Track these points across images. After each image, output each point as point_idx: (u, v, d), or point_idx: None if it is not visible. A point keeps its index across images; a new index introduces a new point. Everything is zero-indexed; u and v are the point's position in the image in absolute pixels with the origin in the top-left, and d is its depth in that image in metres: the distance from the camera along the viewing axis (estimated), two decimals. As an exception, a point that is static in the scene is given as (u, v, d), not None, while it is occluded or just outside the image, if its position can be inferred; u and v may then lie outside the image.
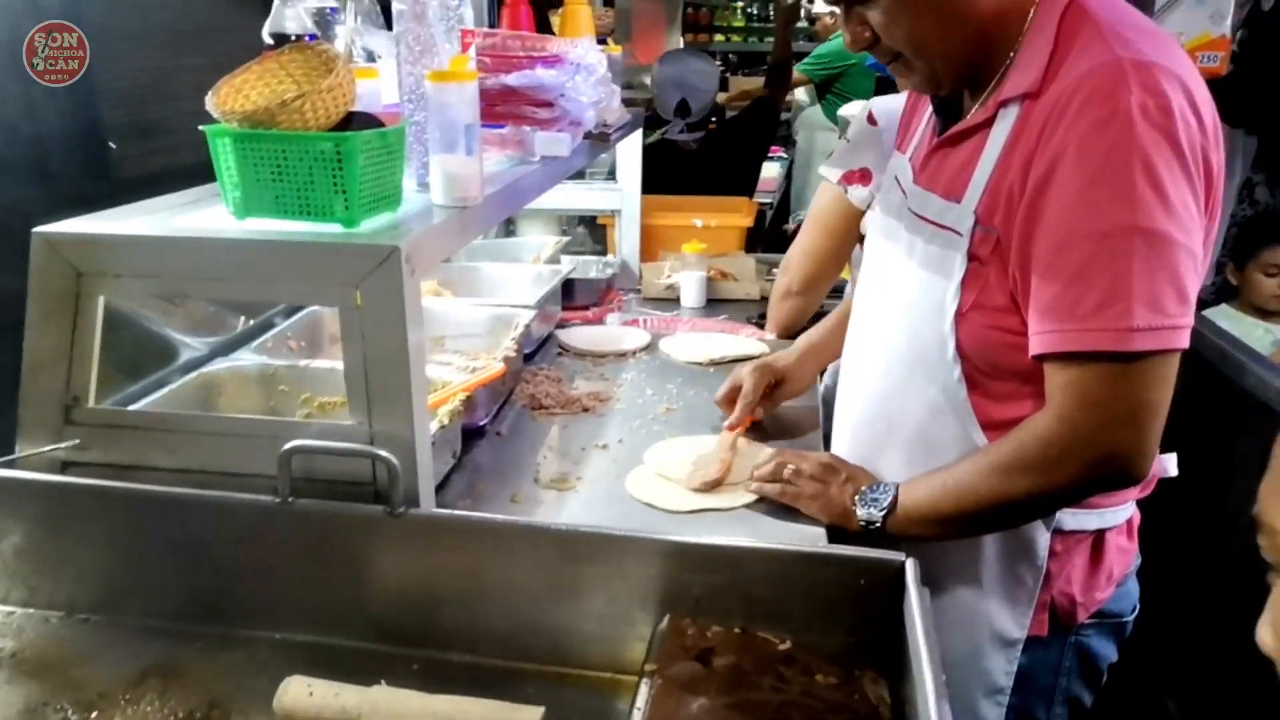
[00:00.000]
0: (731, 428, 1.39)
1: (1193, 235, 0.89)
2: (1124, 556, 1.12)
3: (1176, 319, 0.88)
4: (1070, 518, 1.06)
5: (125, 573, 1.03)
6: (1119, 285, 0.87)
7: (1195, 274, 0.90)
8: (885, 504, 1.06)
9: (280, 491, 1.00)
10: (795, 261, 1.71)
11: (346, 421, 1.04)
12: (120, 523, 1.02)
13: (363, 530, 1.00)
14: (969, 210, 0.99)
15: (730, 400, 1.42)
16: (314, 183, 1.00)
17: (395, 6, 1.14)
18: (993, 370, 1.01)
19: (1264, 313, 2.46)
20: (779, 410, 1.50)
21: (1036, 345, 0.93)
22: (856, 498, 1.10)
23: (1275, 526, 0.46)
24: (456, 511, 1.06)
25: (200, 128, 1.02)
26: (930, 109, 1.13)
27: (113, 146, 2.26)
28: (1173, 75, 0.88)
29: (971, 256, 0.99)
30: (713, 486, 1.25)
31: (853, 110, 1.75)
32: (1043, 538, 1.05)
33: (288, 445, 0.98)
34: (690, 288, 2.09)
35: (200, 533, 1.02)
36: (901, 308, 1.09)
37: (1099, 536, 1.08)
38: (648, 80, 4.11)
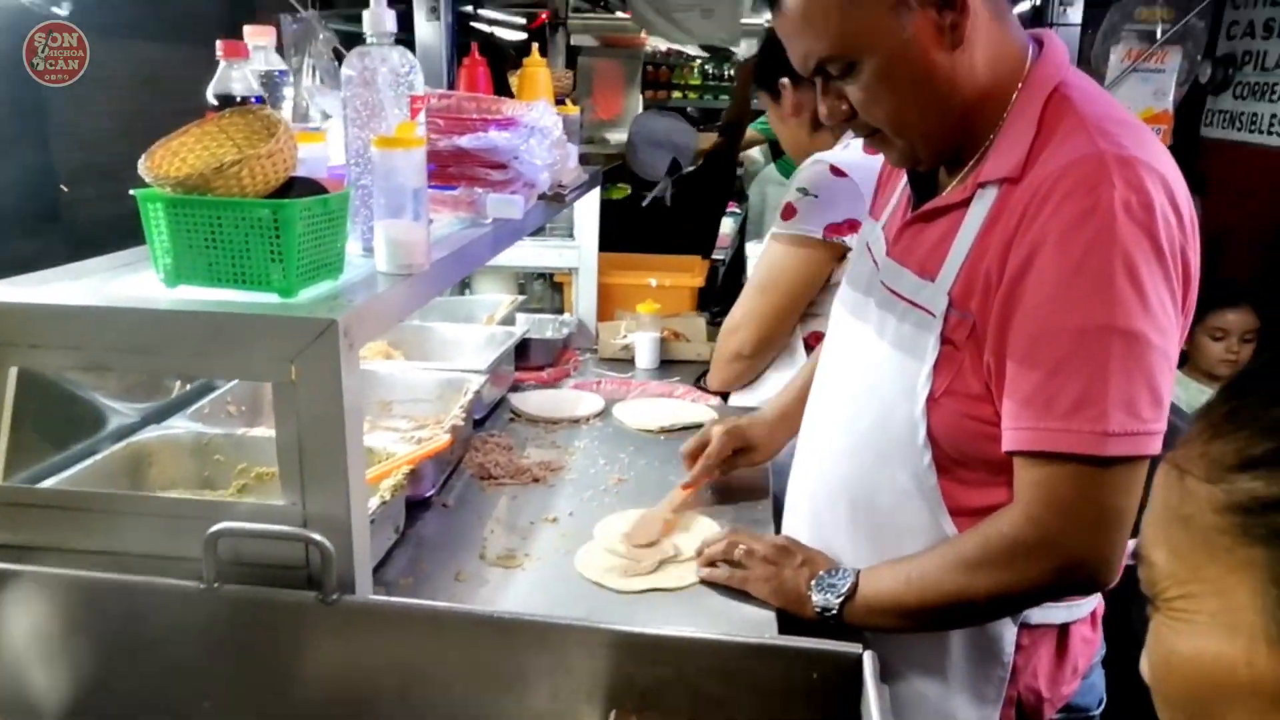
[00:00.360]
0: (687, 487, 1.35)
1: (1169, 338, 0.88)
2: (1088, 648, 1.09)
3: (1150, 424, 0.86)
4: (1037, 611, 1.04)
5: (29, 665, 0.95)
6: (1095, 387, 0.85)
7: (1170, 376, 0.89)
8: (843, 590, 1.02)
9: (205, 576, 0.94)
10: (746, 325, 1.65)
11: (278, 501, 0.98)
12: (26, 610, 0.95)
13: (293, 618, 0.94)
14: (943, 290, 0.96)
15: (694, 455, 1.39)
16: (249, 250, 0.96)
17: (344, 71, 1.11)
18: (964, 458, 0.99)
19: (1212, 377, 2.47)
20: (726, 486, 1.46)
21: (1009, 441, 0.91)
22: (813, 583, 1.05)
23: (1153, 559, 0.46)
24: (393, 599, 1.00)
25: (130, 191, 0.97)
26: (905, 179, 1.12)
27: (64, 189, 2.21)
28: (1155, 172, 0.87)
29: (945, 340, 0.96)
30: (651, 544, 1.22)
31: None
32: (1009, 633, 1.02)
33: (214, 528, 0.92)
34: (644, 349, 2.07)
35: (116, 621, 0.95)
36: (869, 388, 1.06)
37: (1063, 629, 1.06)
38: (609, 137, 4.15)
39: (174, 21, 2.43)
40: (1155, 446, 0.87)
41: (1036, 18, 2.89)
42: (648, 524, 1.25)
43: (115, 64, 2.24)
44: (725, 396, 1.85)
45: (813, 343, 1.64)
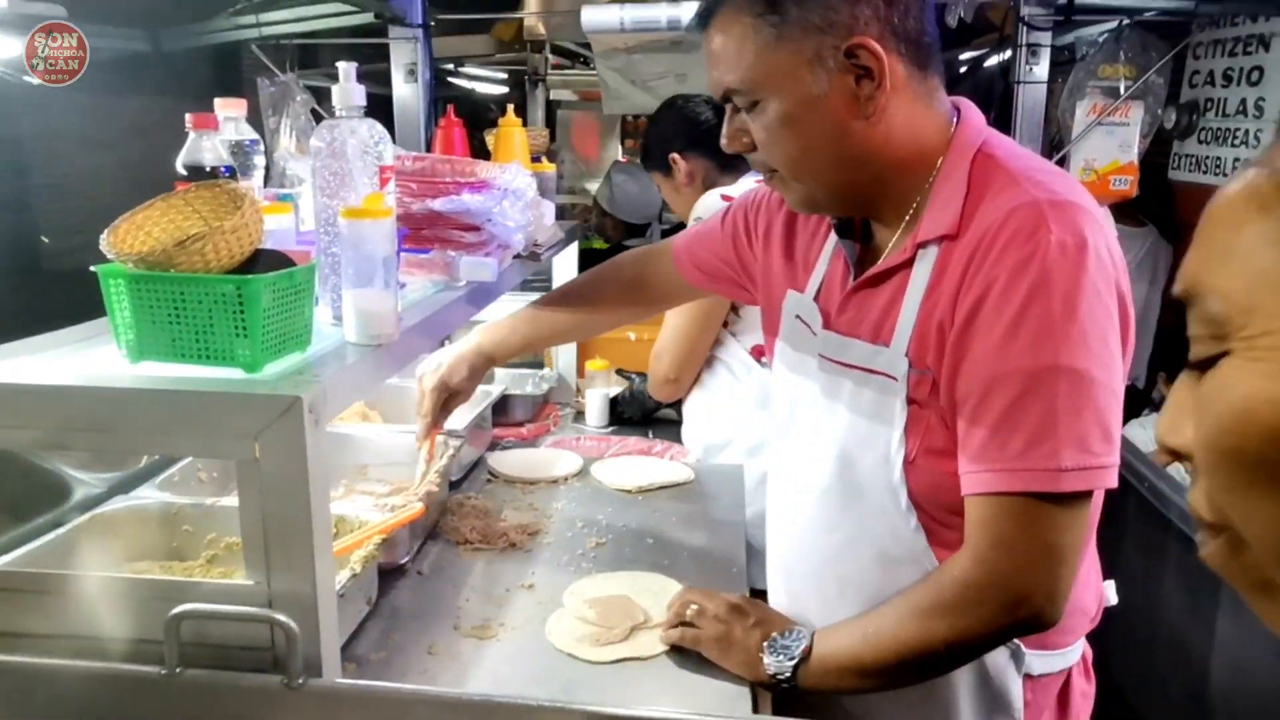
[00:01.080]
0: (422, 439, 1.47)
1: (1113, 373, 0.89)
2: (1085, 702, 1.08)
3: (1102, 458, 0.88)
4: (1039, 660, 1.03)
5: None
6: (1046, 426, 0.86)
7: (1118, 411, 0.90)
8: (797, 653, 0.99)
9: (167, 661, 0.91)
10: (668, 349, 1.79)
11: (243, 581, 0.96)
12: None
13: (257, 704, 0.91)
14: (900, 353, 0.97)
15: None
16: (214, 326, 0.95)
17: (313, 142, 1.11)
18: (948, 516, 0.98)
19: None
20: (702, 548, 1.45)
21: (967, 485, 0.91)
22: (766, 645, 1.03)
23: (1227, 293, 0.40)
24: (359, 683, 0.97)
25: (91, 268, 0.96)
26: (828, 247, 1.12)
27: (45, 240, 2.20)
28: (1087, 213, 0.90)
29: (910, 400, 0.97)
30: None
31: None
32: (1016, 686, 1.01)
33: (176, 610, 0.90)
34: (594, 407, 2.08)
35: (73, 709, 0.91)
36: (838, 459, 1.05)
37: (1065, 683, 1.05)
38: (589, 187, 4.18)
39: (160, 81, 2.44)
40: (1110, 480, 0.89)
41: (1004, 75, 2.96)
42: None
43: (101, 121, 2.25)
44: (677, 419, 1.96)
45: (756, 355, 1.75)
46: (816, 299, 1.12)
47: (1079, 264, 0.86)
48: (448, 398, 1.46)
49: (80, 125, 2.26)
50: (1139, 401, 3.12)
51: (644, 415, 2.09)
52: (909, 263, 0.98)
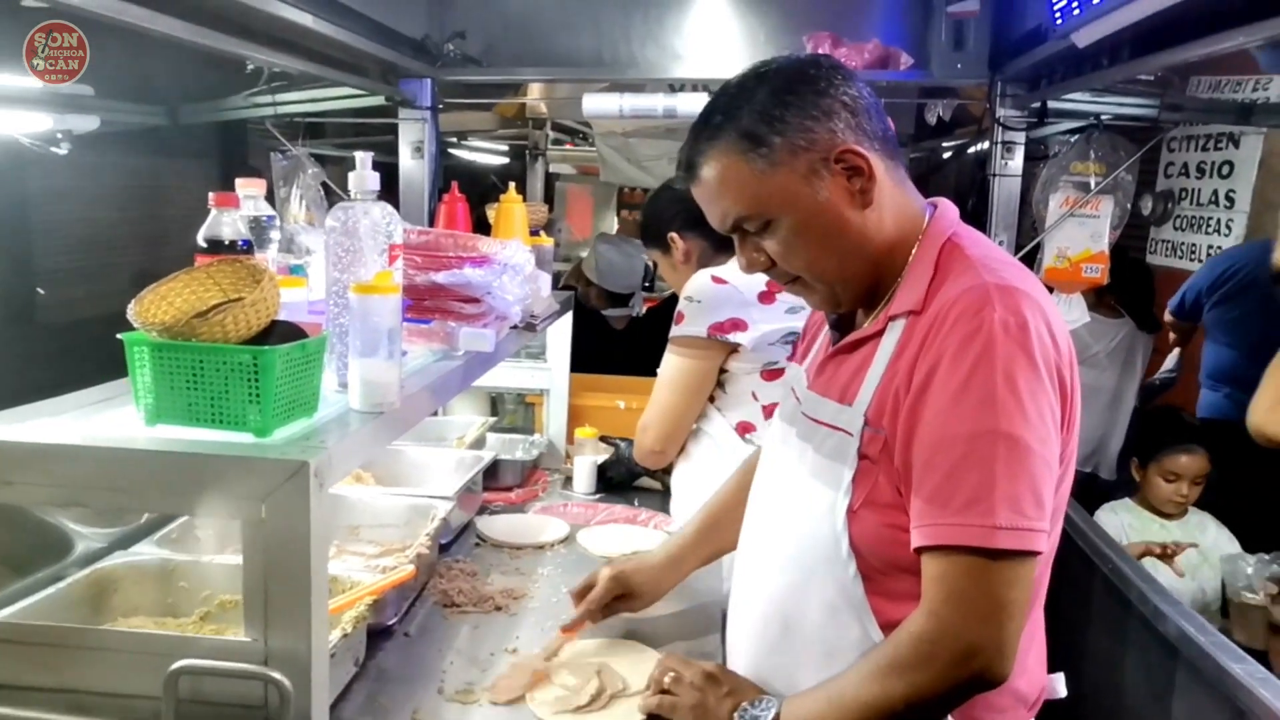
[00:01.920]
0: (566, 630, 1.37)
1: (1048, 445, 0.96)
2: None
3: (1034, 522, 0.94)
4: None
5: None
6: (983, 485, 0.93)
7: (1050, 482, 0.96)
8: None
9: (164, 717, 0.94)
10: (653, 423, 1.80)
11: (241, 638, 0.99)
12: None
13: (248, 761, 0.94)
14: (859, 412, 1.05)
15: (581, 595, 1.41)
16: (229, 393, 1.00)
17: (328, 221, 1.19)
18: (887, 567, 1.04)
19: (1162, 514, 2.52)
20: (680, 618, 1.49)
21: (915, 538, 0.98)
22: (736, 714, 1.07)
23: None
24: (348, 745, 1.00)
25: (118, 335, 1.02)
26: (826, 327, 1.22)
27: (41, 292, 2.26)
28: (1031, 299, 0.99)
29: (862, 455, 1.04)
30: (515, 698, 1.22)
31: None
32: None
33: (174, 665, 0.93)
34: (581, 474, 2.13)
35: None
36: (793, 508, 1.12)
37: None
38: (584, 254, 4.29)
39: (175, 151, 2.55)
40: (1039, 544, 0.94)
41: (980, 167, 3.11)
42: (518, 672, 1.26)
43: (103, 179, 2.34)
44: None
45: (741, 432, 1.77)
46: (806, 368, 1.23)
47: (1019, 342, 0.95)
48: (620, 595, 1.41)
49: (98, 190, 2.36)
50: (1106, 489, 3.16)
51: (629, 478, 2.13)
52: (879, 333, 1.07)
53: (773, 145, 1.03)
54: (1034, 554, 0.95)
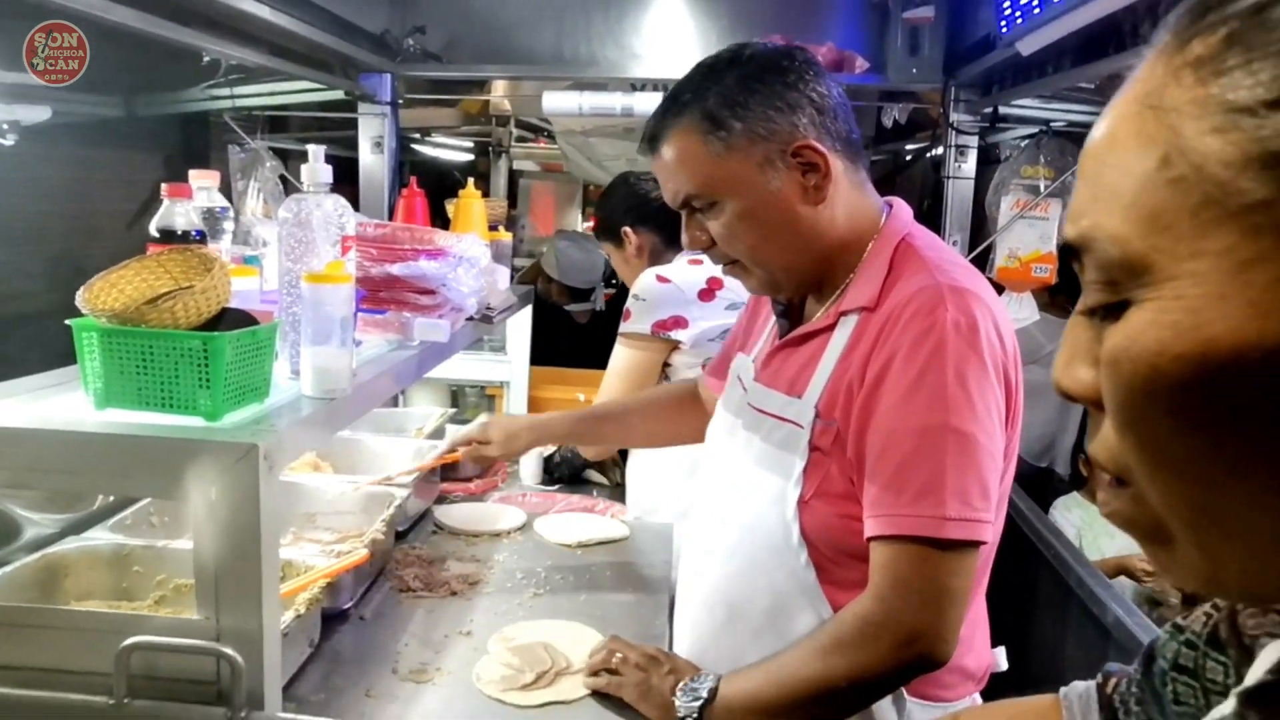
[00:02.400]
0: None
1: (995, 440, 1.01)
2: None
3: (981, 513, 0.98)
4: (919, 709, 1.10)
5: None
6: (934, 478, 0.97)
7: (996, 475, 1.01)
8: (703, 693, 1.07)
9: (116, 692, 0.96)
10: None
11: (193, 616, 1.02)
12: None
13: (199, 735, 0.96)
14: (810, 404, 1.08)
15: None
16: (179, 377, 1.02)
17: (281, 213, 1.21)
18: (838, 556, 1.07)
19: None
20: (629, 602, 1.53)
21: (868, 528, 1.02)
22: (678, 689, 1.11)
23: (1122, 239, 0.36)
24: (299, 716, 1.03)
25: (66, 321, 1.04)
26: (773, 318, 1.25)
27: None
28: (981, 300, 1.03)
29: (813, 447, 1.07)
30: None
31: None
32: None
33: (126, 642, 0.95)
34: (527, 464, 2.17)
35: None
36: (740, 497, 1.15)
37: None
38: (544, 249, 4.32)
39: (131, 143, 2.53)
40: (985, 534, 0.99)
41: (936, 170, 3.20)
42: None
43: (52, 171, 2.32)
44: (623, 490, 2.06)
45: None
46: (754, 359, 1.26)
47: (970, 341, 0.99)
48: (481, 440, 1.64)
49: (47, 183, 2.33)
50: (1060, 485, 3.24)
51: (573, 475, 2.18)
52: (831, 328, 1.11)
53: (732, 130, 1.06)
54: (979, 544, 0.99)
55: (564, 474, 2.17)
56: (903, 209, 1.17)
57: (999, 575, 1.18)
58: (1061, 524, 2.53)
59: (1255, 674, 0.45)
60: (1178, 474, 0.36)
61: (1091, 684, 0.72)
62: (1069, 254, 0.40)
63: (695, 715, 1.07)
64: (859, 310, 1.08)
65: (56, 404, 1.08)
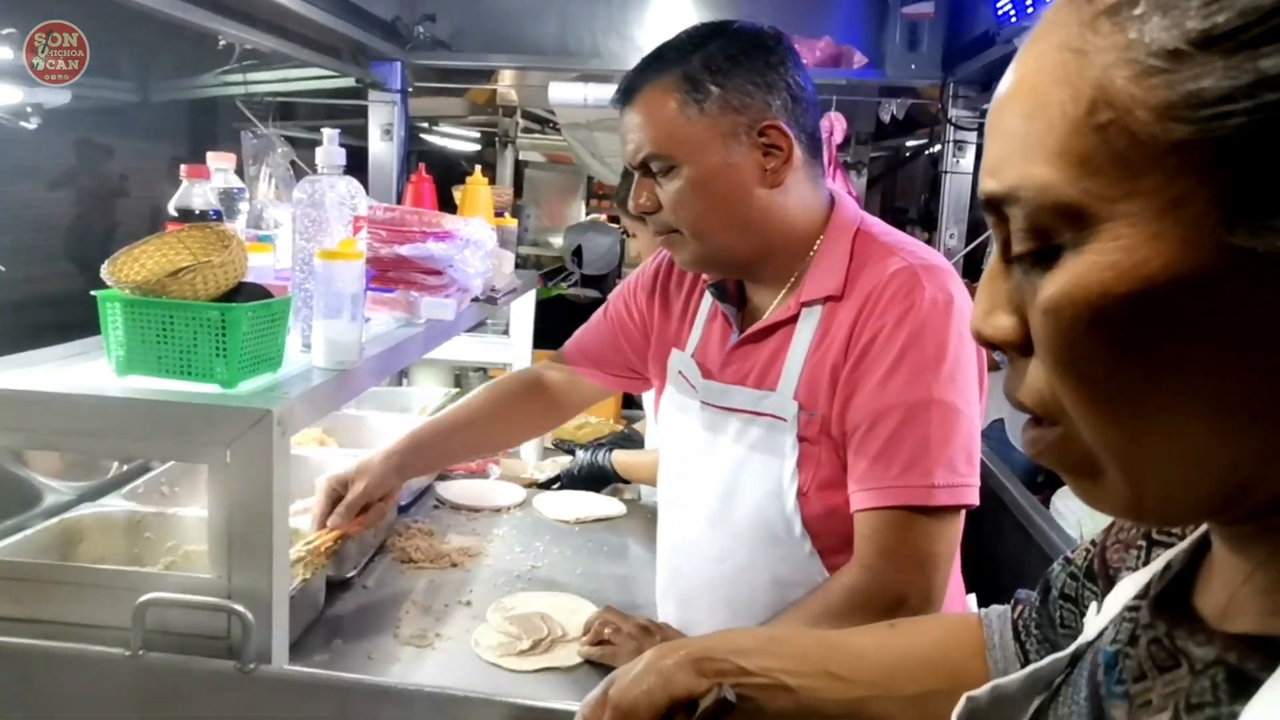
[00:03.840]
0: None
1: (974, 406, 1.06)
2: None
3: (966, 478, 1.03)
4: None
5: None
6: (921, 449, 1.02)
7: (977, 440, 1.06)
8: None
9: (131, 644, 1.01)
10: None
11: (205, 575, 1.07)
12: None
13: (212, 685, 1.01)
14: (788, 397, 1.10)
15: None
16: (197, 346, 1.08)
17: (295, 193, 1.26)
18: (842, 543, 1.09)
19: None
20: (622, 576, 1.57)
21: (855, 501, 1.05)
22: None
23: (1053, 189, 0.37)
24: (305, 669, 1.08)
25: (92, 293, 1.09)
26: (704, 309, 1.27)
27: (2, 269, 2.29)
28: (952, 275, 1.09)
29: (801, 438, 1.10)
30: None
31: None
32: None
33: (142, 598, 1.00)
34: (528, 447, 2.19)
35: (43, 687, 1.01)
36: (727, 493, 1.15)
37: None
38: (553, 240, 4.37)
39: (144, 129, 2.58)
40: (972, 498, 1.04)
41: (935, 165, 3.24)
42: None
43: (70, 155, 2.37)
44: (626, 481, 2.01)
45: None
46: (694, 355, 1.26)
47: (947, 315, 1.04)
48: (339, 499, 1.35)
49: (64, 166, 2.38)
50: (1054, 475, 3.28)
51: (599, 483, 2.01)
52: (794, 319, 1.13)
53: (708, 95, 1.06)
54: (964, 507, 1.04)
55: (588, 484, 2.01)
56: (845, 200, 1.18)
57: (992, 569, 1.21)
58: (1062, 514, 2.58)
59: (1112, 604, 0.51)
60: (1114, 409, 0.37)
61: (1006, 608, 0.78)
62: (989, 208, 0.41)
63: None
64: (823, 300, 1.11)
65: (79, 371, 1.13)
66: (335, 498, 1.36)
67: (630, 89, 1.11)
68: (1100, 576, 0.62)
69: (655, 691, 0.72)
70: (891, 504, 1.02)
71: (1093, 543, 0.66)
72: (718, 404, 1.19)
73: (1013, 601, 0.77)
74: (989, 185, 0.40)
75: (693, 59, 1.07)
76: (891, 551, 1.03)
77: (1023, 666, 0.72)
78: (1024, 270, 0.40)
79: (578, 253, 3.32)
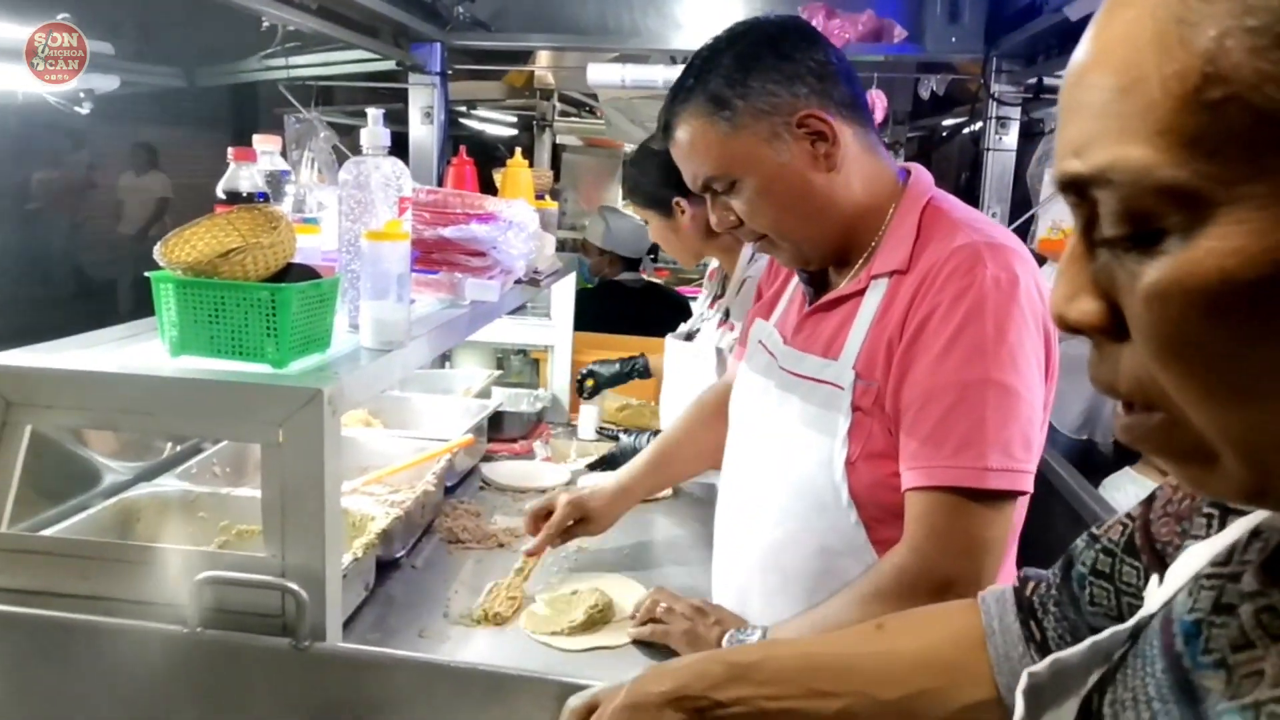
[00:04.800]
0: (530, 554, 1.45)
1: (1035, 392, 1.02)
2: None
3: (1022, 464, 1.00)
4: None
5: (23, 702, 1.03)
6: (975, 430, 0.99)
7: (1037, 427, 1.03)
8: (753, 643, 1.10)
9: (190, 621, 1.02)
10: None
11: (260, 553, 1.08)
12: (19, 648, 1.03)
13: (268, 662, 1.03)
14: (848, 366, 1.10)
15: (537, 519, 1.48)
16: (248, 326, 1.08)
17: (341, 175, 1.26)
18: (886, 515, 1.08)
19: (1166, 474, 2.52)
20: (673, 558, 1.57)
21: (906, 480, 1.04)
22: (725, 638, 1.14)
23: (1157, 173, 0.34)
24: (360, 647, 1.09)
25: (146, 274, 1.10)
26: (794, 283, 1.28)
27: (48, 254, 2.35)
28: (1021, 256, 1.05)
29: (855, 408, 1.09)
30: (498, 616, 1.31)
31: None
32: None
33: (200, 575, 1.02)
34: (587, 419, 2.22)
35: (106, 661, 1.03)
36: (784, 461, 1.17)
37: None
38: (587, 223, 4.36)
39: (189, 112, 2.62)
40: (1027, 484, 1.01)
41: (975, 144, 3.16)
42: (496, 595, 1.36)
43: (117, 139, 2.42)
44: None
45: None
46: (776, 324, 1.28)
47: (1010, 296, 1.01)
48: (579, 520, 1.48)
49: (112, 149, 2.43)
50: (1104, 459, 3.21)
51: None
52: (861, 292, 1.12)
53: (736, 108, 1.08)
54: (1020, 494, 1.01)
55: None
56: (922, 174, 1.17)
57: (1046, 552, 1.19)
58: (1115, 501, 2.51)
59: (1176, 576, 0.50)
60: (1234, 397, 0.35)
61: (1008, 587, 0.76)
62: (1069, 189, 0.39)
63: None
64: (890, 274, 1.10)
65: (134, 352, 1.15)
66: (576, 520, 1.46)
67: (668, 125, 1.15)
68: (1144, 551, 0.60)
69: None
70: (942, 484, 1.00)
71: (1129, 516, 0.64)
72: (789, 369, 1.19)
73: (1020, 579, 0.75)
74: (1072, 166, 0.38)
75: (710, 79, 1.09)
76: (940, 534, 1.01)
77: (1032, 646, 0.70)
78: (1115, 254, 0.37)
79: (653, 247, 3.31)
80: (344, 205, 1.27)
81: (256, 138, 1.40)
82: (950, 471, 1.00)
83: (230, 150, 1.30)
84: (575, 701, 0.79)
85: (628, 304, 3.22)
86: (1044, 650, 0.69)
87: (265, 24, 2.13)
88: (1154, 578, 0.55)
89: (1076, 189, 0.38)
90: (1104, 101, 0.36)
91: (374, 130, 1.24)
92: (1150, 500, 0.62)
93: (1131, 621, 0.51)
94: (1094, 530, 0.66)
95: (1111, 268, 0.38)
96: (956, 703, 0.73)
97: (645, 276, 3.34)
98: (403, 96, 2.93)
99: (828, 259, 1.18)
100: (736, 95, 1.08)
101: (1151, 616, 0.50)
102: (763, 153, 1.09)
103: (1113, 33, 0.36)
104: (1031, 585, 0.73)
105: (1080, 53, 0.38)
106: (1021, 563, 1.22)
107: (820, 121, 1.08)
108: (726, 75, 1.08)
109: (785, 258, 1.20)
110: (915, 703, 0.74)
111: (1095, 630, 0.54)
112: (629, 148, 4.78)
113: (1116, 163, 0.35)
